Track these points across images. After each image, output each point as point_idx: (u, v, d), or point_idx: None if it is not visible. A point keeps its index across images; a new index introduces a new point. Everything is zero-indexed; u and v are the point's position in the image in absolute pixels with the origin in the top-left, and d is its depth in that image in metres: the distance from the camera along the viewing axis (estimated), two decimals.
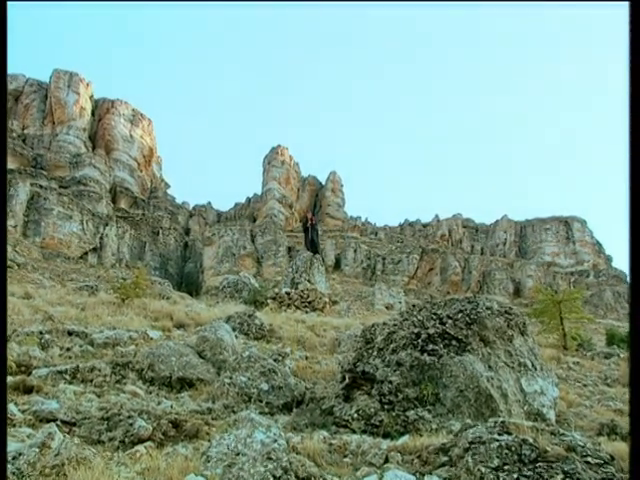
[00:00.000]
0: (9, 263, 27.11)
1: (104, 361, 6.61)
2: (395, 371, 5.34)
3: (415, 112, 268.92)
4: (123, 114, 54.03)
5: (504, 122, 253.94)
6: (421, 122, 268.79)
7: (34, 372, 5.88)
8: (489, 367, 5.30)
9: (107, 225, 42.73)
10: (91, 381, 6.00)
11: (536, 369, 5.72)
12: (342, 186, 68.13)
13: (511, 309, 6.07)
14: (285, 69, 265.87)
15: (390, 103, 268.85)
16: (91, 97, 53.56)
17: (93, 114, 53.19)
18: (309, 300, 16.65)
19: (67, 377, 5.91)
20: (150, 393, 5.94)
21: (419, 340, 5.50)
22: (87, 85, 53.00)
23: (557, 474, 3.16)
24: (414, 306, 6.54)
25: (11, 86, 50.30)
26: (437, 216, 67.76)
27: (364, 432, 4.92)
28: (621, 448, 4.49)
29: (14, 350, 6.54)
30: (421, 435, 4.50)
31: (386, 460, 3.93)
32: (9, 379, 5.32)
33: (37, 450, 3.45)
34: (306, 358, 8.52)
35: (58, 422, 4.29)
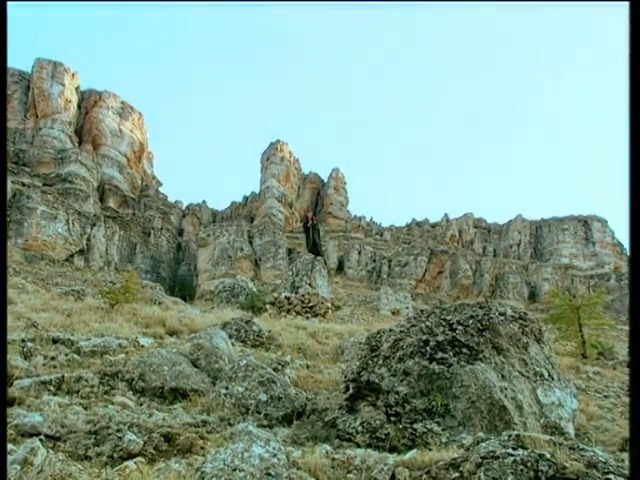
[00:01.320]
0: None
1: (91, 371, 6.61)
2: (402, 381, 5.33)
3: (422, 107, 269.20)
4: (111, 107, 54.03)
5: (517, 118, 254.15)
6: (429, 117, 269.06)
7: (16, 383, 5.87)
8: (502, 377, 5.29)
9: (94, 225, 42.74)
10: (77, 392, 5.99)
11: (553, 379, 5.71)
12: (345, 184, 68.17)
13: (526, 315, 6.06)
14: (285, 62, 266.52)
15: (396, 97, 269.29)
16: (77, 88, 53.50)
17: (79, 107, 53.14)
18: (310, 305, 16.67)
19: (51, 388, 5.91)
20: (141, 405, 5.94)
21: (427, 348, 5.49)
22: (73, 76, 52.98)
23: None
24: (422, 311, 6.53)
25: None
26: (446, 215, 67.76)
27: (369, 446, 4.91)
28: None
29: None
30: (430, 449, 4.49)
31: (393, 476, 3.92)
32: None
33: (18, 467, 3.42)
34: (307, 367, 8.52)
35: (41, 437, 4.28)
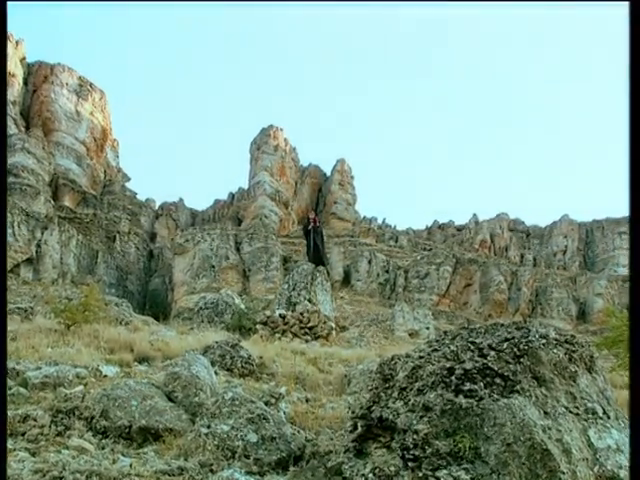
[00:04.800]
0: None
1: (41, 407, 6.60)
2: (422, 418, 5.32)
3: (446, 88, 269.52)
4: (66, 84, 54.06)
5: (562, 105, 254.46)
6: (452, 100, 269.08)
7: None
8: (545, 414, 5.28)
9: (46, 229, 42.83)
10: (23, 435, 5.97)
11: (609, 417, 5.69)
12: (352, 178, 68.35)
13: (574, 338, 6.05)
14: (279, 34, 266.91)
15: (416, 75, 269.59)
16: (22, 60, 53.38)
17: (25, 83, 53.10)
18: (310, 325, 16.69)
19: None
20: (102, 449, 5.93)
21: (453, 377, 5.48)
22: (17, 44, 52.89)
23: None
24: (446, 333, 6.53)
25: None
26: (475, 216, 67.84)
27: None
28: None
29: None
30: None
31: None
32: None
33: None
34: (307, 400, 8.52)
35: None
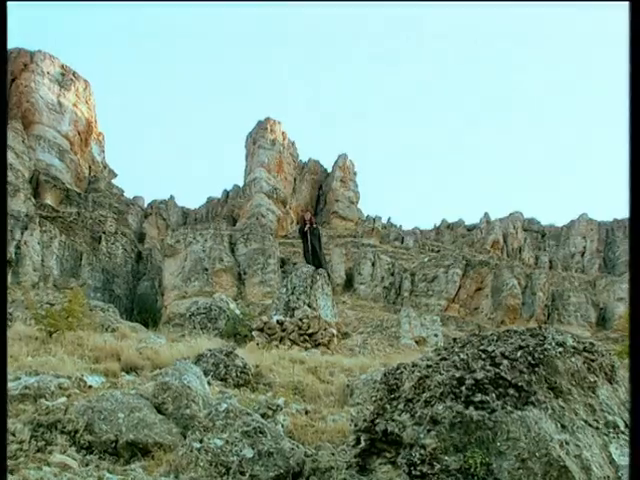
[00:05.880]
0: None
1: (21, 420, 6.60)
2: (429, 431, 5.32)
3: (452, 80, 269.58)
4: (48, 72, 53.98)
5: (578, 99, 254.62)
6: (463, 92, 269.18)
7: None
8: (563, 427, 5.27)
9: (26, 229, 42.80)
10: None
11: None
12: (355, 174, 68.37)
13: (593, 346, 6.04)
14: (276, 21, 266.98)
15: (423, 66, 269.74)
16: None
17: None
18: (310, 332, 16.67)
19: None
20: (87, 465, 5.93)
21: (463, 388, 5.47)
22: None
23: None
24: (455, 340, 6.52)
25: None
26: (487, 215, 67.77)
27: None
28: None
29: None
30: None
31: None
32: None
33: None
34: (306, 413, 8.53)
35: None
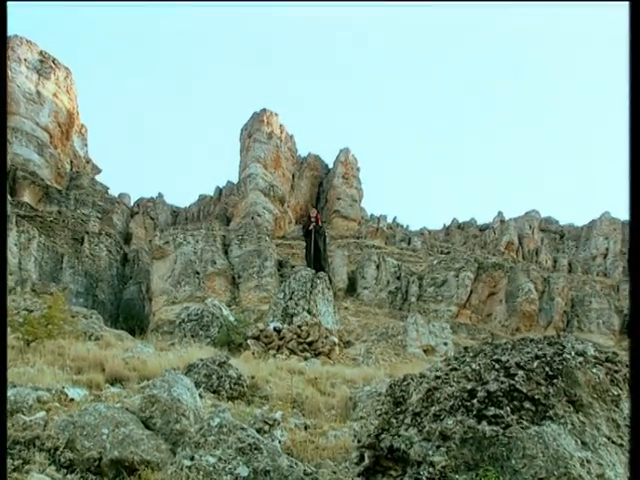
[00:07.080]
0: None
1: None
2: (439, 447, 5.31)
3: (460, 74, 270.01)
4: (25, 59, 53.98)
5: (596, 91, 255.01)
6: (474, 85, 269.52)
7: None
8: (583, 444, 5.26)
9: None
10: None
11: None
12: (358, 170, 68.37)
13: (616, 356, 6.03)
14: (275, 11, 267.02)
15: (429, 63, 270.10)
16: None
17: None
18: (309, 340, 16.67)
19: None
20: None
21: (475, 401, 5.47)
22: None
23: None
24: (467, 349, 6.52)
25: None
26: (501, 215, 67.88)
27: None
28: None
29: None
30: None
31: None
32: None
33: None
34: (306, 428, 8.53)
35: None
